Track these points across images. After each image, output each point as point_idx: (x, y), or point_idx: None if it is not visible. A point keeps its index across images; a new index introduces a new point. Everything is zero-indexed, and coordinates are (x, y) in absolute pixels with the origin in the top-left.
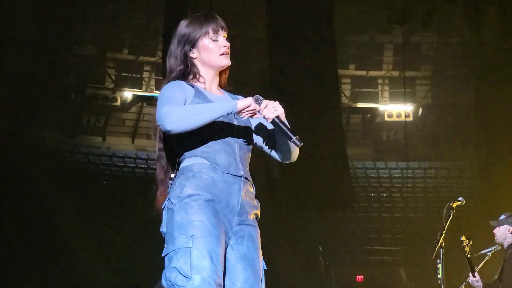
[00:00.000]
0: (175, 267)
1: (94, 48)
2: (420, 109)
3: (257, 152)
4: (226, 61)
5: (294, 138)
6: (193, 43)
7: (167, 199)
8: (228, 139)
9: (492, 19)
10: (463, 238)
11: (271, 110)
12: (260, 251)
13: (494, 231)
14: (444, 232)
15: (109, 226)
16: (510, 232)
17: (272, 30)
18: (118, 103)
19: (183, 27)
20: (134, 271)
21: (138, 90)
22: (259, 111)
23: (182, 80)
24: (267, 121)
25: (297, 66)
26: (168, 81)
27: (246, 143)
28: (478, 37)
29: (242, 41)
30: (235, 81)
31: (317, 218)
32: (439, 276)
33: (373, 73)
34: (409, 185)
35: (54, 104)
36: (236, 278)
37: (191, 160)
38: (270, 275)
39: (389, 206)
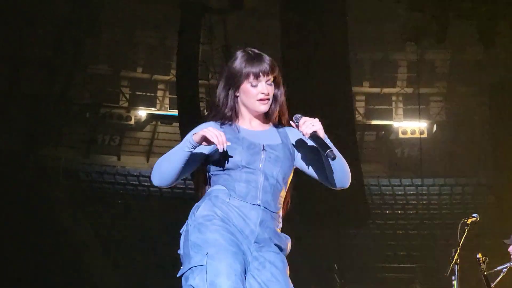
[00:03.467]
0: (191, 285)
1: (108, 67)
2: (435, 125)
3: None
4: (263, 108)
5: (328, 151)
6: (237, 84)
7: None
8: (253, 170)
9: (506, 35)
10: (479, 255)
11: (309, 126)
12: (288, 279)
13: (509, 249)
14: (459, 248)
15: (124, 245)
16: None
17: (287, 61)
18: (133, 122)
19: (232, 65)
20: (149, 284)
21: (153, 108)
22: (297, 127)
23: (221, 118)
24: (306, 137)
25: (310, 86)
26: (206, 119)
27: (275, 175)
28: (492, 54)
29: None
30: None
31: (332, 236)
32: None
33: (387, 90)
34: (424, 202)
35: (69, 123)
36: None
37: (213, 187)
38: None
39: (404, 223)
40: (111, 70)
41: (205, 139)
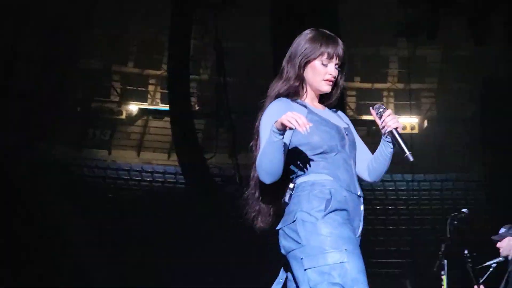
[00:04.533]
0: (339, 283)
1: (100, 62)
2: (426, 121)
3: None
4: (326, 88)
5: (408, 153)
6: (308, 60)
7: (298, 211)
8: (344, 154)
9: (497, 32)
10: (467, 250)
11: (394, 120)
12: None
13: (498, 245)
14: (448, 243)
15: (116, 239)
16: None
17: (279, 57)
18: (124, 116)
19: (306, 39)
20: (141, 280)
21: (144, 103)
22: (380, 118)
23: (287, 91)
24: (384, 130)
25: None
26: (278, 94)
27: (355, 161)
28: (484, 50)
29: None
30: None
31: None
32: None
33: (378, 85)
34: (414, 197)
35: (62, 118)
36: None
37: (317, 176)
38: None
39: (395, 219)
40: (102, 64)
41: (284, 124)
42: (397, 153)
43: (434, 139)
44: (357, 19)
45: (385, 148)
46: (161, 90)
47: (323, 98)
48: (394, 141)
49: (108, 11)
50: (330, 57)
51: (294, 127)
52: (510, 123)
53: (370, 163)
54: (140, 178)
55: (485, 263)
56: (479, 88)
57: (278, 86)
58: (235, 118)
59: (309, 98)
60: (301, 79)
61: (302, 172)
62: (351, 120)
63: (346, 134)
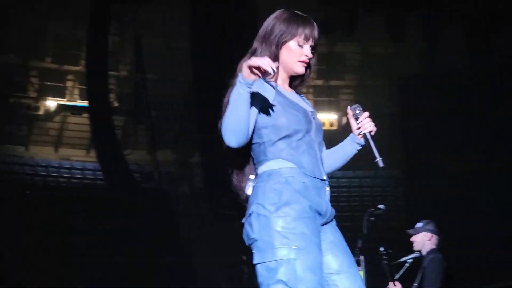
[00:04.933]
0: (282, 280)
1: (17, 57)
2: (344, 118)
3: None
4: (301, 69)
5: (379, 158)
6: (284, 40)
7: (254, 204)
8: (309, 138)
9: (414, 29)
10: (383, 246)
11: (371, 124)
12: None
13: (412, 239)
14: (365, 239)
15: (33, 235)
16: (428, 239)
17: (196, 53)
18: (42, 112)
19: (282, 19)
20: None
21: (62, 99)
22: (357, 119)
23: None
24: (359, 132)
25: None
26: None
27: (321, 145)
28: (401, 47)
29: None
30: None
31: (240, 229)
32: None
33: None
34: (333, 194)
35: None
36: (329, 266)
37: (277, 163)
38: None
39: None
40: (20, 60)
41: (252, 71)
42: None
43: None
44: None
45: (351, 148)
46: (80, 86)
47: (293, 81)
48: (367, 144)
49: (25, 5)
50: (306, 39)
51: (264, 70)
52: (426, 120)
53: (334, 160)
54: (58, 175)
55: (400, 259)
56: (397, 84)
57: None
58: (154, 115)
59: (280, 80)
60: (276, 59)
61: (265, 158)
62: None
63: (313, 118)
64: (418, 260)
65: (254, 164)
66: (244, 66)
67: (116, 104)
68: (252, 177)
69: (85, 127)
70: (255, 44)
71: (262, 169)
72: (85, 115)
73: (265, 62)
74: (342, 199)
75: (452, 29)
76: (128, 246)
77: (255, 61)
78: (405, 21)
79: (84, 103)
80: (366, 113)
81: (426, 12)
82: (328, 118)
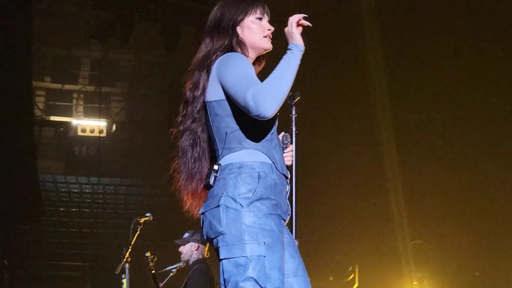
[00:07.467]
0: (252, 277)
1: None
2: (114, 125)
3: None
4: (269, 44)
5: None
6: (240, 19)
7: (223, 196)
8: (275, 133)
9: (187, 39)
10: (148, 253)
11: (290, 158)
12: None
13: (180, 249)
14: (130, 247)
15: None
16: (195, 249)
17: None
18: None
19: (229, 3)
20: None
21: None
22: (283, 147)
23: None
24: None
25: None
26: (228, 53)
27: None
28: (173, 56)
29: None
30: None
31: (1, 231)
32: None
33: (68, 86)
34: (99, 201)
35: None
36: (287, 267)
37: (250, 155)
38: None
39: (78, 221)
40: None
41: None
42: (85, 157)
43: (122, 143)
44: (50, 18)
45: None
46: None
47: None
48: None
49: None
50: (262, 13)
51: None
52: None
53: None
54: None
55: (166, 267)
56: (168, 93)
57: (213, 56)
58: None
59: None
60: (238, 44)
61: (233, 148)
62: (38, 120)
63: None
64: (185, 269)
65: (215, 151)
66: (297, 32)
67: None
68: (216, 167)
69: None
70: (206, 41)
71: (230, 158)
72: None
73: (299, 16)
74: (109, 205)
75: None
76: None
77: (297, 20)
78: (179, 30)
79: None
80: (291, 147)
81: (197, 23)
82: (98, 124)
